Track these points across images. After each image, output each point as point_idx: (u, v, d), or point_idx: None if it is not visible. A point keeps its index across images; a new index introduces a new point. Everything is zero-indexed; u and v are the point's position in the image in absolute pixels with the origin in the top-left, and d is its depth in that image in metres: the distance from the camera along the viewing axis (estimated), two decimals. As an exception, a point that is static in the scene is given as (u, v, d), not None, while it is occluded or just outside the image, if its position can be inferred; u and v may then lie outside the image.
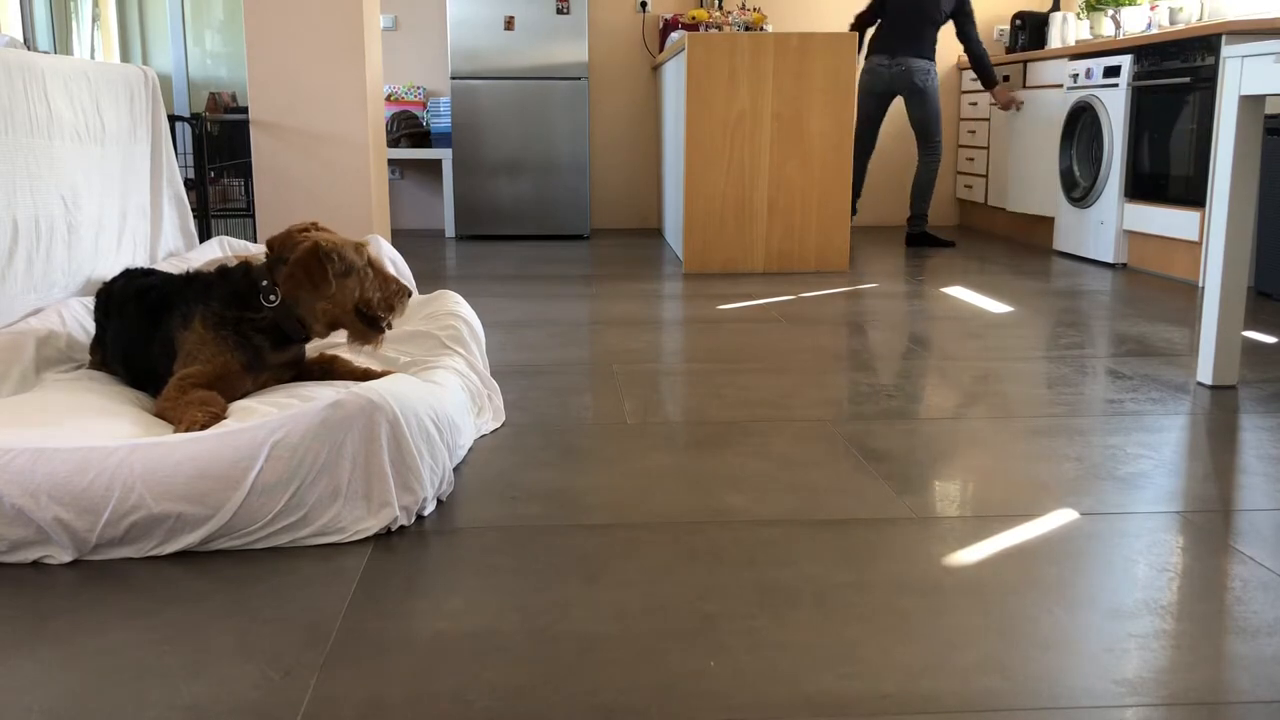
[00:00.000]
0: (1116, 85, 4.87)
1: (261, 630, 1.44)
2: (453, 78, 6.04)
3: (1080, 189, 5.19)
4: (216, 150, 5.44)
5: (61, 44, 6.43)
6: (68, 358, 2.40)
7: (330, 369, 2.26)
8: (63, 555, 1.66)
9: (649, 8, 6.63)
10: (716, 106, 4.70)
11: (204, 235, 4.18)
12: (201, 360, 2.07)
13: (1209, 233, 2.74)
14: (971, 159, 6.62)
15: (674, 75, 5.41)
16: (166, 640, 1.42)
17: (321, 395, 1.93)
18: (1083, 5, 6.31)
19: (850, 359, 3.09)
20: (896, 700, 1.27)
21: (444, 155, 6.19)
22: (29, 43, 5.95)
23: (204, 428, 1.88)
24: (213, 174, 5.12)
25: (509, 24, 6.03)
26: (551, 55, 6.08)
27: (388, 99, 6.43)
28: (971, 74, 6.59)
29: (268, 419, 1.76)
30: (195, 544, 1.69)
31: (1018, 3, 6.74)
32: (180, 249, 3.40)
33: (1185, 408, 2.56)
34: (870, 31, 5.81)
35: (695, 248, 4.82)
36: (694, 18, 6.25)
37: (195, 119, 4.49)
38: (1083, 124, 5.20)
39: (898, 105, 6.35)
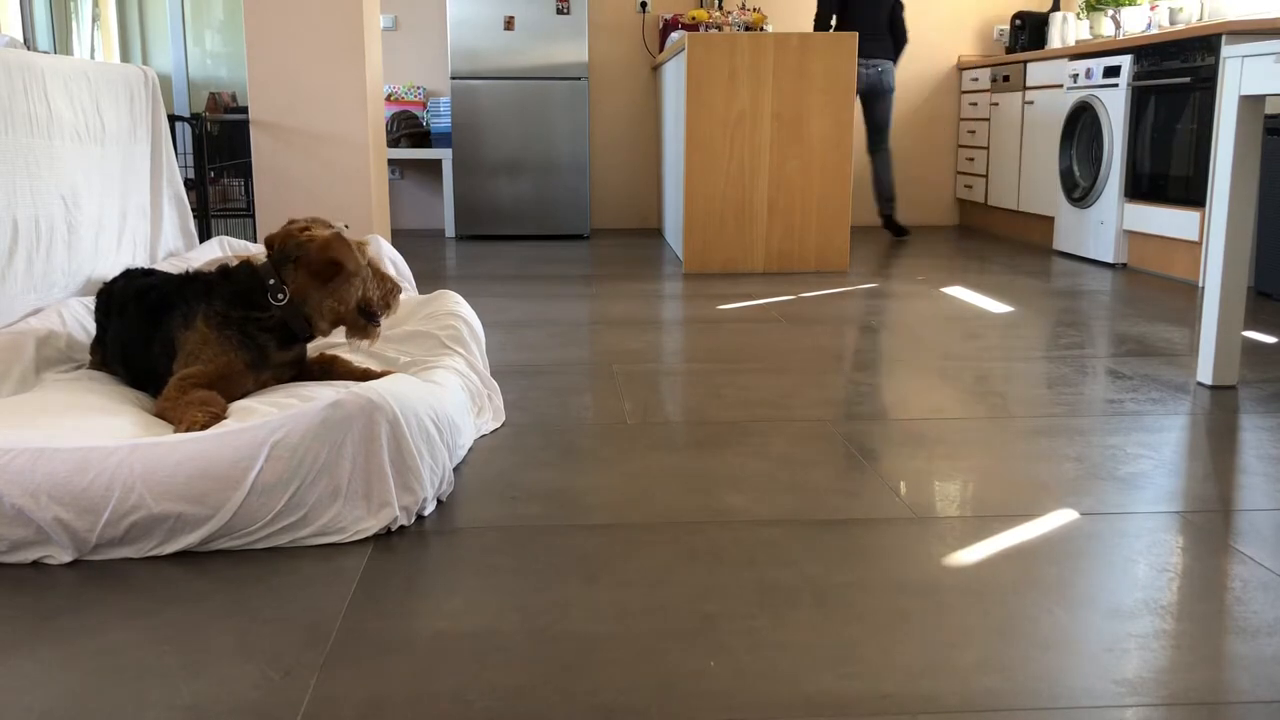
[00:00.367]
0: (1116, 85, 4.87)
1: (261, 630, 1.44)
2: (453, 78, 6.04)
3: (1080, 189, 5.19)
4: (216, 150, 5.44)
5: (61, 44, 6.43)
6: (68, 358, 2.39)
7: (330, 369, 2.26)
8: (63, 555, 1.66)
9: (649, 8, 6.63)
10: (716, 106, 4.70)
11: (204, 235, 4.19)
12: (203, 360, 2.07)
13: (1209, 233, 2.74)
14: (971, 159, 6.63)
15: (674, 75, 5.41)
16: (166, 640, 1.42)
17: (321, 395, 1.93)
18: (1083, 5, 6.31)
19: (850, 359, 3.09)
20: (896, 700, 1.27)
21: (444, 155, 6.20)
22: (29, 43, 5.95)
23: (204, 428, 1.88)
24: (213, 174, 5.12)
25: (509, 24, 6.03)
26: (551, 55, 6.08)
27: (388, 99, 6.43)
28: (972, 74, 6.59)
29: (268, 419, 1.76)
30: (195, 544, 1.69)
31: (1018, 3, 6.74)
32: (180, 249, 3.40)
33: (1185, 408, 2.56)
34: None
35: (695, 248, 4.82)
36: (694, 18, 6.25)
37: (195, 119, 4.49)
38: (1083, 124, 5.20)
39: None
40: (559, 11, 6.03)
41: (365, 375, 2.22)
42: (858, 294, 4.23)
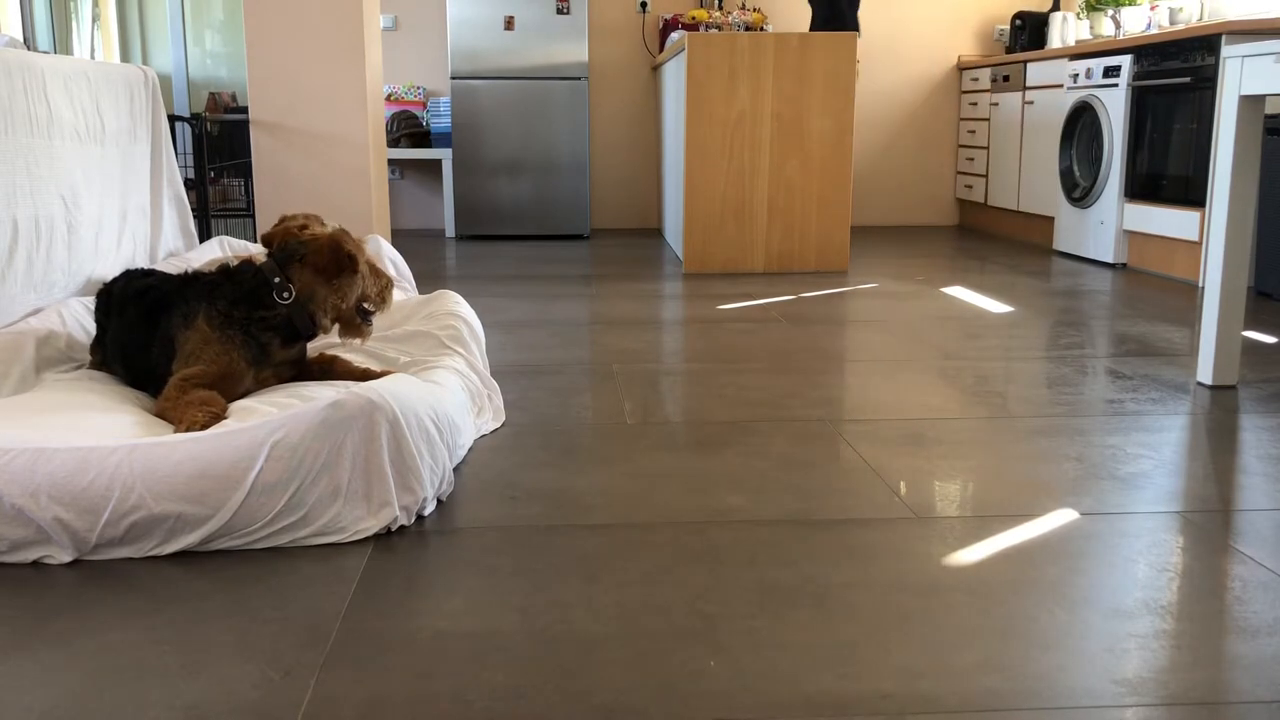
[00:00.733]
0: (1116, 85, 4.87)
1: (261, 630, 1.44)
2: (453, 78, 6.04)
3: (1080, 189, 5.19)
4: (216, 150, 5.44)
5: (61, 44, 6.43)
6: (68, 358, 2.39)
7: (330, 369, 2.26)
8: (63, 555, 1.66)
9: (649, 8, 6.63)
10: (716, 106, 4.70)
11: (204, 235, 4.19)
12: (204, 360, 2.07)
13: (1209, 233, 2.74)
14: (971, 159, 6.63)
15: (674, 75, 5.41)
16: (166, 640, 1.42)
17: (321, 395, 1.93)
18: (1083, 5, 6.31)
19: (850, 359, 3.09)
20: (896, 700, 1.27)
21: (444, 155, 6.20)
22: (29, 43, 5.95)
23: (204, 428, 1.88)
24: (213, 174, 5.12)
25: (509, 24, 6.03)
26: (551, 55, 6.08)
27: (388, 99, 6.43)
28: (972, 74, 6.59)
29: (268, 419, 1.76)
30: (195, 544, 1.69)
31: (1018, 3, 6.74)
32: (180, 249, 3.40)
33: (1185, 408, 2.56)
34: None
35: (695, 248, 4.82)
36: (694, 18, 6.25)
37: (195, 119, 4.49)
38: (1083, 124, 5.20)
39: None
40: (559, 11, 6.03)
41: (365, 375, 2.22)
42: (858, 294, 4.23)
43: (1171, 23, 5.48)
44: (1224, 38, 4.17)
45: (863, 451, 2.22)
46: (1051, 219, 5.67)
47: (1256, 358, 3.09)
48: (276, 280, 2.11)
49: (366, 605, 1.52)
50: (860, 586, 1.58)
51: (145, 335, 2.16)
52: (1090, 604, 1.52)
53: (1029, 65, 5.82)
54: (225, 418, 1.96)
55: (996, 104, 6.23)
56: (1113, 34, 5.98)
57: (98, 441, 1.72)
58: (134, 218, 3.08)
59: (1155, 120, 4.65)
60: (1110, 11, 5.93)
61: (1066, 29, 6.15)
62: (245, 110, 4.84)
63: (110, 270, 2.82)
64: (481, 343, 2.65)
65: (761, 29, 6.15)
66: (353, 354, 2.44)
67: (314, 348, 2.41)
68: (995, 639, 1.42)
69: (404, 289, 3.45)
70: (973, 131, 6.60)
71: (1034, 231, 5.97)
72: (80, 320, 2.54)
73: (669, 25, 6.43)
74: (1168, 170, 4.57)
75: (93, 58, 6.56)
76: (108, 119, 2.93)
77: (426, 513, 1.86)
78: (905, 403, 2.61)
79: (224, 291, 2.11)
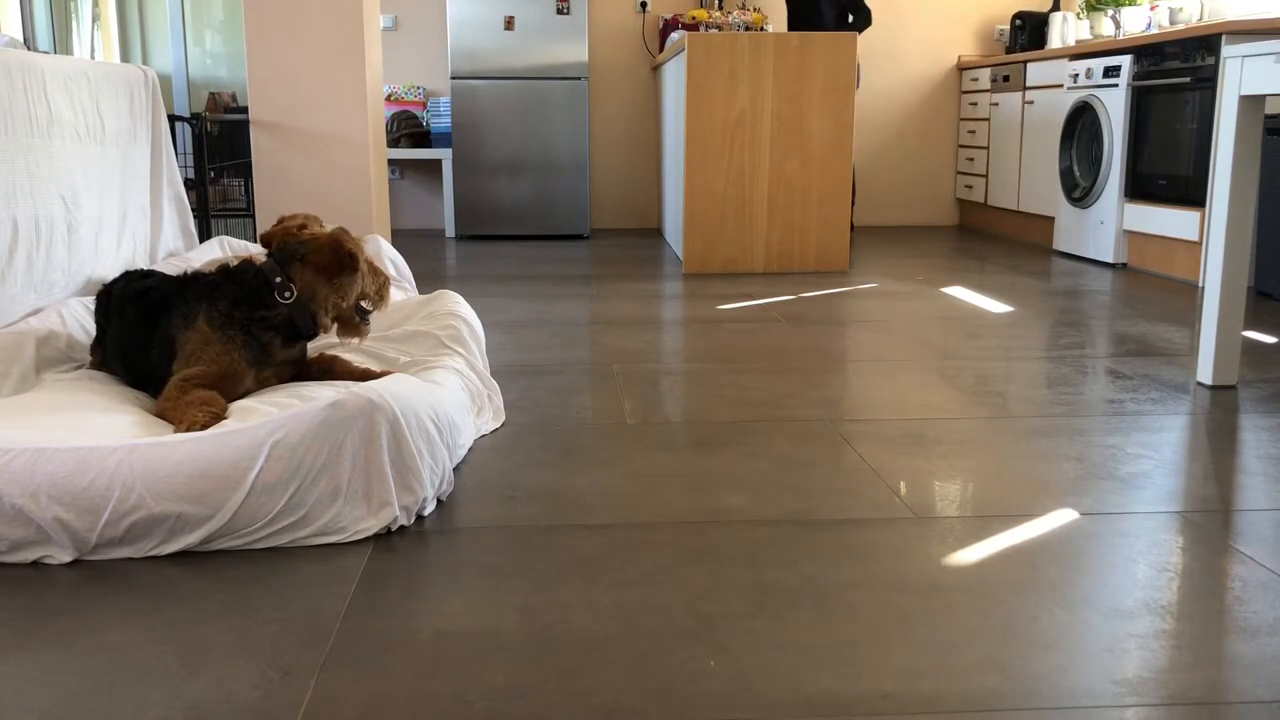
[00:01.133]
0: (1116, 85, 4.87)
1: (261, 630, 1.44)
2: (453, 78, 6.04)
3: (1080, 189, 5.19)
4: (216, 150, 5.44)
5: (61, 44, 6.43)
6: (68, 358, 2.40)
7: (330, 369, 2.26)
8: (63, 555, 1.66)
9: (649, 8, 6.63)
10: (716, 106, 4.70)
11: (204, 235, 4.19)
12: (205, 360, 2.07)
13: (1209, 233, 2.74)
14: (971, 159, 6.63)
15: (674, 75, 5.41)
16: (166, 640, 1.42)
17: (321, 395, 1.93)
18: (1083, 5, 6.31)
19: (850, 359, 3.09)
20: (896, 700, 1.27)
21: (444, 155, 6.20)
22: (29, 43, 5.95)
23: (204, 428, 1.88)
24: (213, 174, 5.12)
25: (509, 24, 6.03)
26: (551, 55, 6.08)
27: (388, 99, 6.43)
28: (972, 74, 6.59)
29: (268, 419, 1.76)
30: (195, 544, 1.69)
31: (1018, 3, 6.74)
32: (180, 249, 3.40)
33: (1185, 408, 2.56)
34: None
35: (695, 248, 4.82)
36: (694, 18, 6.25)
37: (195, 119, 4.49)
38: (1083, 124, 5.20)
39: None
40: (559, 11, 6.03)
41: (365, 375, 2.22)
42: (858, 294, 4.23)
43: (1171, 23, 5.48)
44: (1224, 38, 4.17)
45: (863, 451, 2.22)
46: (1051, 219, 5.67)
47: (1256, 358, 3.09)
48: (278, 280, 2.11)
49: (366, 605, 1.52)
50: (860, 586, 1.58)
51: (145, 336, 2.16)
52: (1090, 604, 1.52)
53: (1029, 65, 5.82)
54: (225, 418, 1.96)
55: (996, 104, 6.24)
56: (1113, 34, 5.98)
57: (98, 441, 1.72)
58: (134, 218, 3.08)
59: (1155, 120, 4.65)
60: (1110, 11, 5.93)
61: (1066, 29, 6.15)
62: (245, 110, 4.84)
63: (110, 270, 2.82)
64: (481, 343, 2.65)
65: (761, 29, 6.15)
66: (353, 354, 2.44)
67: (314, 348, 2.41)
68: (995, 639, 1.42)
69: (404, 289, 3.45)
70: (973, 131, 6.60)
71: (1034, 231, 5.97)
72: (80, 320, 2.54)
73: (669, 25, 6.43)
74: (1168, 170, 4.57)
75: (93, 58, 6.56)
76: (108, 119, 2.93)
77: (426, 513, 1.86)
78: (905, 403, 2.61)
79: (224, 291, 2.11)
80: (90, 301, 2.52)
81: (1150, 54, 4.68)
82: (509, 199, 6.23)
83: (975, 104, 6.56)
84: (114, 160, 2.96)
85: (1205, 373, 2.77)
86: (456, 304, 2.75)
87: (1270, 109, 4.07)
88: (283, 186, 4.03)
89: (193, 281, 2.17)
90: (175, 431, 1.92)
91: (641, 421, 2.45)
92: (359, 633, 1.44)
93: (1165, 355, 3.13)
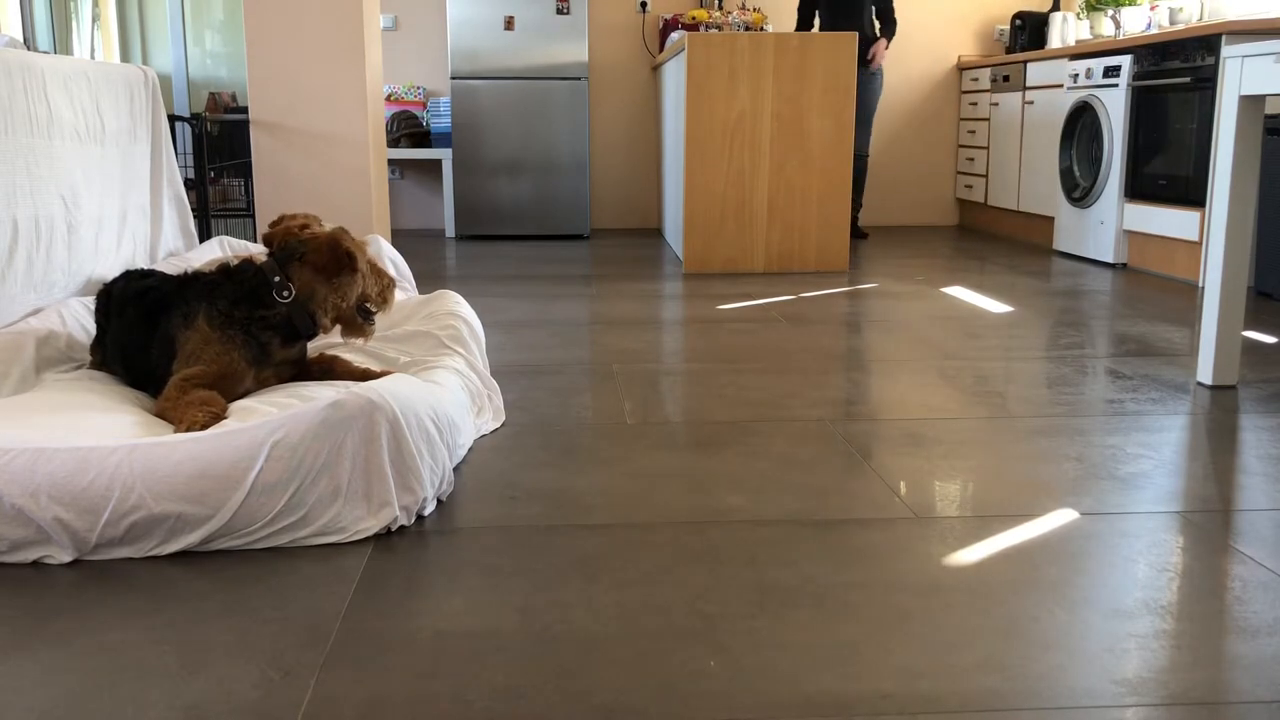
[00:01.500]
0: (1116, 85, 4.87)
1: (261, 630, 1.44)
2: (453, 78, 6.04)
3: (1080, 189, 5.19)
4: (216, 150, 5.44)
5: (61, 44, 6.43)
6: (68, 358, 2.40)
7: (330, 369, 2.26)
8: (63, 555, 1.66)
9: (649, 8, 6.63)
10: (716, 106, 4.70)
11: (204, 235, 4.18)
12: (205, 360, 2.07)
13: (1209, 233, 2.74)
14: (971, 159, 6.63)
15: (674, 75, 5.41)
16: (166, 640, 1.42)
17: (321, 395, 1.93)
18: (1083, 5, 6.31)
19: (850, 359, 3.09)
20: (896, 700, 1.27)
21: (444, 155, 6.20)
22: (29, 43, 5.95)
23: (204, 428, 1.88)
24: (213, 174, 5.12)
25: (509, 24, 6.03)
26: (551, 55, 6.08)
27: (388, 99, 6.43)
28: (972, 74, 6.59)
29: (268, 419, 1.76)
30: (195, 544, 1.69)
31: (1018, 3, 6.74)
32: (180, 249, 3.40)
33: (1185, 408, 2.56)
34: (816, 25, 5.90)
35: (695, 248, 4.82)
36: (694, 18, 6.25)
37: (195, 119, 4.49)
38: (1083, 124, 5.20)
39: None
40: (559, 11, 6.02)
41: (365, 375, 2.22)
42: (858, 294, 4.23)
43: (1171, 23, 5.48)
44: (1224, 38, 4.17)
45: (862, 451, 2.22)
46: (1051, 219, 5.67)
47: (1256, 358, 3.09)
48: (277, 279, 2.11)
49: (366, 605, 1.52)
50: (860, 586, 1.58)
51: (145, 335, 2.16)
52: (1090, 604, 1.52)
53: (1029, 65, 5.82)
54: (225, 418, 1.96)
55: (996, 104, 6.23)
56: (1113, 34, 5.98)
57: (98, 441, 1.72)
58: (134, 218, 3.08)
59: (1155, 120, 4.65)
60: (1110, 11, 5.93)
61: (1066, 29, 6.15)
62: (245, 110, 4.84)
63: (110, 270, 2.82)
64: (481, 343, 2.65)
65: (761, 29, 6.15)
66: (353, 354, 2.44)
67: (314, 348, 2.41)
68: (995, 639, 1.42)
69: (404, 289, 3.45)
70: (973, 131, 6.60)
71: (1034, 231, 5.97)
72: (80, 320, 2.54)
73: (669, 25, 6.43)
74: (1168, 170, 4.57)
75: (93, 58, 6.56)
76: (108, 119, 2.93)
77: (426, 513, 1.86)
78: (905, 402, 2.61)
79: (224, 291, 2.11)
80: (90, 301, 2.52)
81: (1150, 54, 4.68)
82: (509, 199, 6.23)
83: (975, 104, 6.56)
84: (114, 160, 2.96)
85: (1205, 373, 2.77)
86: (456, 304, 2.75)
87: (1270, 109, 4.07)
88: (283, 186, 4.03)
89: (193, 281, 2.17)
90: (175, 431, 1.92)
91: (641, 421, 2.45)
92: (359, 633, 1.44)
93: (1165, 355, 3.13)
